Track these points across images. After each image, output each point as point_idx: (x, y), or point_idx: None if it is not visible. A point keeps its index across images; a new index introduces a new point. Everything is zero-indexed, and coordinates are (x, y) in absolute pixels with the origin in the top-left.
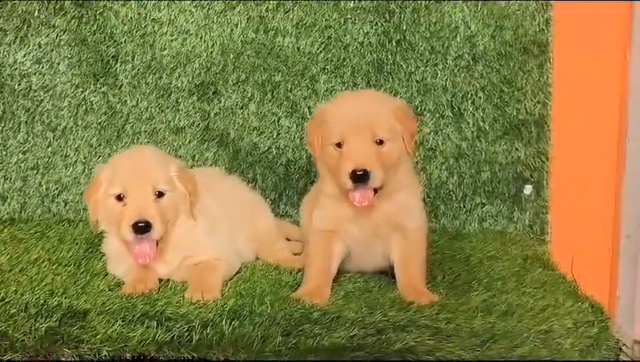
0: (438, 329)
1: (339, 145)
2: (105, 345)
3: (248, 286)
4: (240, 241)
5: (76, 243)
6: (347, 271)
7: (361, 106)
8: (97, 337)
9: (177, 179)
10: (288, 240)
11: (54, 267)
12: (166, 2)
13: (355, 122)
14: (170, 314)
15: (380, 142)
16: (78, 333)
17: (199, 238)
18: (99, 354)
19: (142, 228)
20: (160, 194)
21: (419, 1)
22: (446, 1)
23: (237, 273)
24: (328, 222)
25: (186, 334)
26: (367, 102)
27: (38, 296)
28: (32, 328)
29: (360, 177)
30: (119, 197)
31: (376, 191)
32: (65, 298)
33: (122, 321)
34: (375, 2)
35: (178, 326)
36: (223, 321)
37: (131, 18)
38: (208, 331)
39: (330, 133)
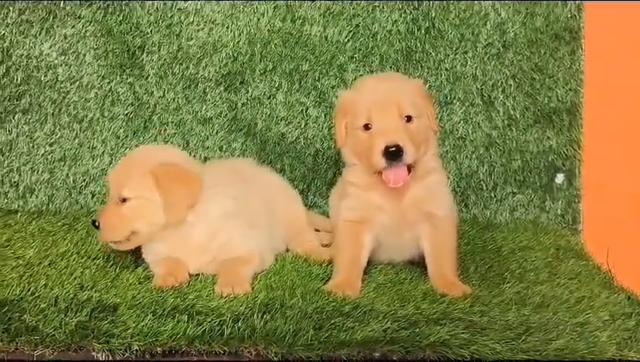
0: (472, 322)
1: (366, 126)
2: (136, 340)
3: (278, 278)
4: (276, 234)
5: None
6: (377, 261)
7: (384, 85)
8: (128, 331)
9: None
10: (317, 231)
11: (83, 260)
12: None
13: (382, 101)
14: (201, 307)
15: (408, 119)
16: (108, 328)
17: (234, 236)
18: (130, 349)
19: None
20: (124, 200)
21: None
22: None
23: None
24: (356, 212)
25: (217, 328)
26: (390, 81)
27: (67, 290)
28: (63, 322)
29: (393, 154)
30: None
31: (409, 170)
32: (95, 292)
33: (153, 315)
34: None
35: (209, 320)
36: (255, 315)
37: (157, 8)
38: (240, 325)
39: (356, 116)
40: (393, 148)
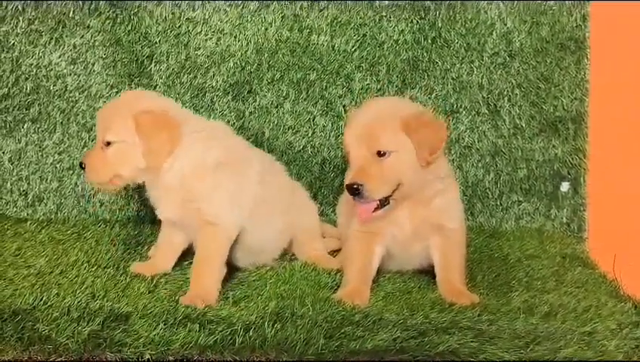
0: (480, 331)
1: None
2: (148, 349)
3: (288, 287)
4: (273, 222)
5: (114, 245)
6: (386, 270)
7: (365, 117)
8: (140, 341)
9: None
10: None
11: (94, 269)
12: (200, 2)
13: (356, 134)
14: (212, 316)
15: (382, 154)
16: (120, 337)
17: (204, 186)
18: (142, 358)
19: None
20: (108, 144)
21: None
22: None
23: (276, 274)
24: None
25: (229, 337)
26: (375, 112)
27: (79, 299)
28: (75, 331)
29: (354, 191)
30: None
31: (384, 203)
32: (106, 301)
33: (164, 324)
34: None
35: (220, 329)
36: (265, 324)
37: (165, 18)
38: (251, 334)
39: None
40: (354, 186)
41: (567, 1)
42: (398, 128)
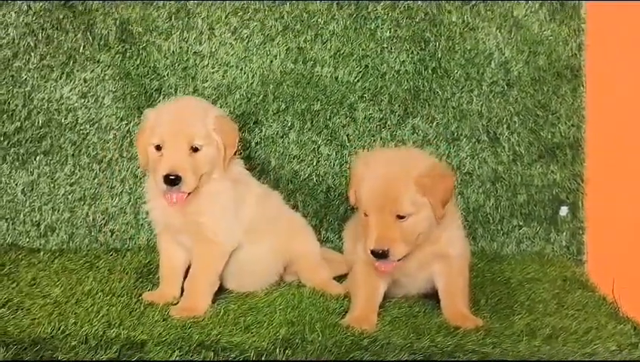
0: (484, 354)
1: (365, 214)
2: None
3: (297, 313)
4: (265, 242)
5: (126, 273)
6: (392, 295)
7: (382, 181)
8: None
9: (215, 132)
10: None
11: (108, 298)
12: (207, 36)
13: (376, 199)
14: (226, 343)
15: (402, 217)
16: None
17: (210, 205)
18: None
19: (172, 180)
20: (195, 149)
21: (453, 29)
22: (480, 29)
23: (285, 300)
24: None
25: None
26: (391, 175)
27: (96, 328)
28: (93, 359)
29: (380, 256)
30: (158, 147)
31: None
32: (122, 329)
33: (179, 351)
34: (410, 31)
35: (233, 355)
36: (277, 350)
37: (173, 52)
38: (263, 360)
39: (359, 198)
40: (379, 252)
41: (564, 27)
42: (415, 191)
